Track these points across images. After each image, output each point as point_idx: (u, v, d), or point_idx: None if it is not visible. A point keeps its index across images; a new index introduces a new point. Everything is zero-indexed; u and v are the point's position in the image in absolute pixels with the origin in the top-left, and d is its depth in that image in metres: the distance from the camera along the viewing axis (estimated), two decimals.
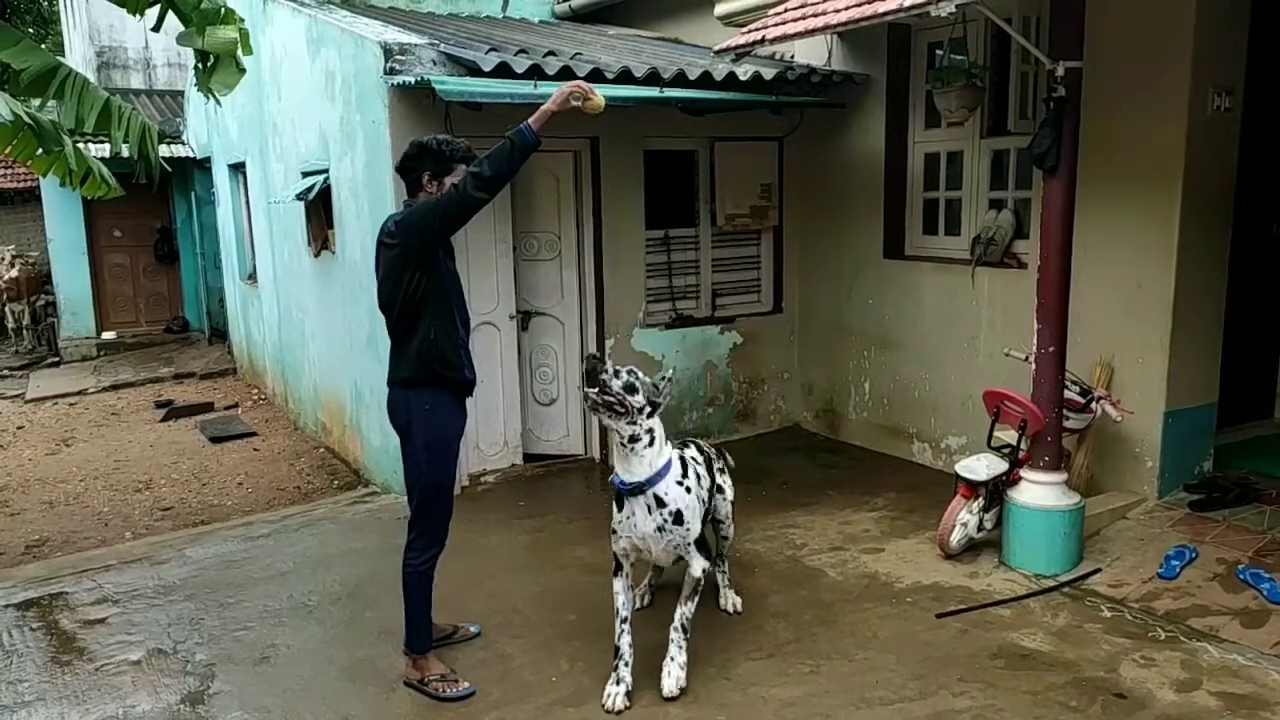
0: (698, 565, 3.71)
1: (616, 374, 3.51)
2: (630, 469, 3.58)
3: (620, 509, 3.68)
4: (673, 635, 3.70)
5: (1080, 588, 4.52)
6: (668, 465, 3.64)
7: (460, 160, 3.64)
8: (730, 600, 4.39)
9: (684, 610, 3.70)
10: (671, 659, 3.67)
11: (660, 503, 3.61)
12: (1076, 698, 3.61)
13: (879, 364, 6.81)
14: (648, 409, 3.55)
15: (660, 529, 3.63)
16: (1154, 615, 4.23)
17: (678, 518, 3.63)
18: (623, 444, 3.56)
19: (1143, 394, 5.15)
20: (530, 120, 3.51)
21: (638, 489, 3.59)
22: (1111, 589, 4.49)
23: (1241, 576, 4.40)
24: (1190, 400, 5.23)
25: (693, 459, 3.90)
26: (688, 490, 3.68)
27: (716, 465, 4.25)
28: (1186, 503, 5.17)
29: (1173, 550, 4.65)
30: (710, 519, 4.08)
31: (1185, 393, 5.19)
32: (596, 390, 3.45)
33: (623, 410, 3.49)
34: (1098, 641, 4.03)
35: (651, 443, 3.57)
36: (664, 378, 3.70)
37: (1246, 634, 4.01)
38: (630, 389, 3.50)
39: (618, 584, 3.74)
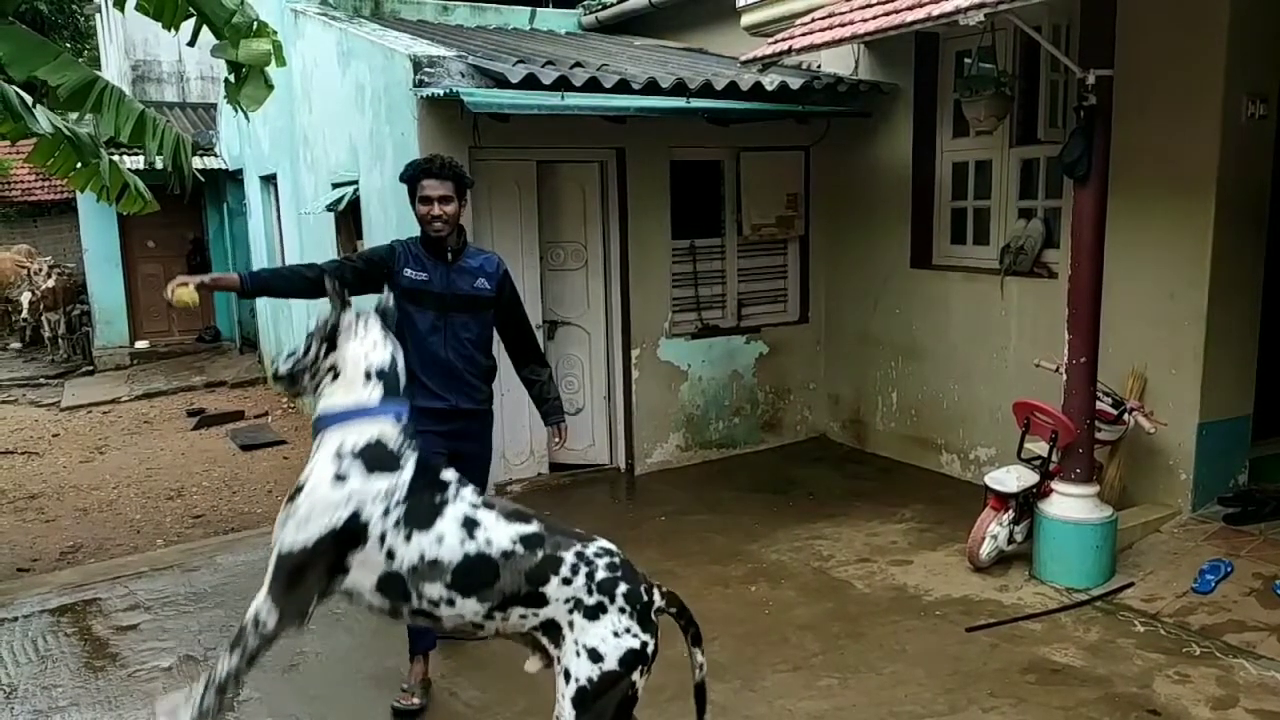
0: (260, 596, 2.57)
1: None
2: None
3: None
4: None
5: (1113, 602, 4.46)
6: (338, 417, 2.70)
7: (407, 180, 3.79)
8: None
9: (222, 665, 2.55)
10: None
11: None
12: (1109, 714, 3.56)
13: (906, 374, 6.76)
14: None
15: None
16: (1189, 630, 4.17)
17: (295, 491, 2.64)
18: None
19: (1176, 405, 5.08)
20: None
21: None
22: (1145, 603, 4.42)
23: (1278, 591, 4.32)
24: (1225, 412, 5.14)
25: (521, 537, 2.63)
26: (340, 478, 2.58)
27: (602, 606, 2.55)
28: (1221, 516, 5.09)
29: (1207, 564, 4.58)
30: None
31: (1219, 404, 5.11)
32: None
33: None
34: (1131, 657, 3.97)
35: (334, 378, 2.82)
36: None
37: None
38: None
39: None
